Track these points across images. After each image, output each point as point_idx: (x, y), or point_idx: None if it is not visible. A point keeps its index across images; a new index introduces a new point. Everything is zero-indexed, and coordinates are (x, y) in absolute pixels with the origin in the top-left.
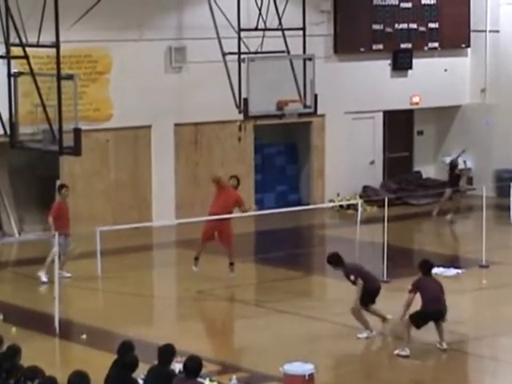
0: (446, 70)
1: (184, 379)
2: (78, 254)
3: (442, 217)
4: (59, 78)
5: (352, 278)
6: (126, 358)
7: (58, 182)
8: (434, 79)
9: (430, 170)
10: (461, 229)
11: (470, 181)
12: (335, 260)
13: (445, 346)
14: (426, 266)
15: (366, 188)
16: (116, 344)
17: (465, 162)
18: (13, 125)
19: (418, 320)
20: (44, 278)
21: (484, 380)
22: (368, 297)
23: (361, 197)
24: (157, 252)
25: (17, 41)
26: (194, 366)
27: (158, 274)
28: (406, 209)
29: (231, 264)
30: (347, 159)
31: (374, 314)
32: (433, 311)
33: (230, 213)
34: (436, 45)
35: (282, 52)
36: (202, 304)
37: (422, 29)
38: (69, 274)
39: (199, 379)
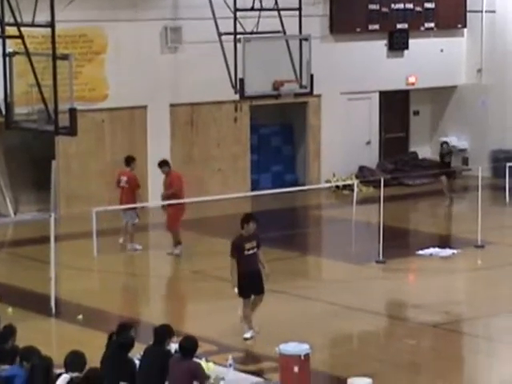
0: (442, 51)
1: (180, 359)
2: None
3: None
4: (54, 57)
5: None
6: (122, 338)
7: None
8: (430, 59)
9: (425, 150)
10: (456, 209)
11: (465, 161)
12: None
13: None
14: None
15: (362, 168)
16: (112, 324)
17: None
18: (8, 105)
19: None
20: (138, 247)
21: (479, 360)
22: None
23: (357, 177)
24: (152, 232)
25: (12, 20)
26: (189, 345)
27: (154, 255)
28: (401, 189)
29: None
30: (343, 140)
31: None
32: None
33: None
34: (432, 25)
35: (278, 32)
36: (197, 284)
37: (418, 9)
38: (140, 247)
39: (195, 359)
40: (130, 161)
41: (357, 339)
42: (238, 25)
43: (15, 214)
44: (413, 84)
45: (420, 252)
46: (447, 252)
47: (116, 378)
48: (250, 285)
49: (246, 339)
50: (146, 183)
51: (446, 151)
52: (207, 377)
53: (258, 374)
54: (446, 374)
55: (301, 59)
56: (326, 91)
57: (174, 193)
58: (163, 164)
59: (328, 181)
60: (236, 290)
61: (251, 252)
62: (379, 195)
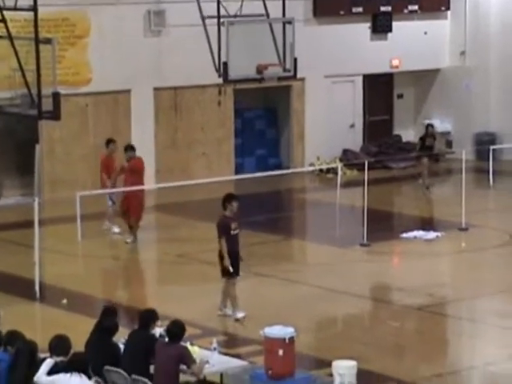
0: (425, 33)
1: (167, 343)
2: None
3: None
4: (37, 41)
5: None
6: (106, 322)
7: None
8: (414, 42)
9: (409, 133)
10: (440, 192)
11: (449, 144)
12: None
13: None
14: None
15: (345, 151)
16: (96, 308)
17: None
18: None
19: None
20: (116, 230)
21: (463, 341)
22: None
23: (341, 160)
24: None
25: None
26: (177, 330)
27: (138, 238)
28: (385, 172)
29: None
30: (327, 123)
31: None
32: None
33: None
34: (416, 7)
35: (262, 15)
36: (181, 268)
37: None
38: (118, 230)
39: (181, 343)
40: (107, 143)
41: (341, 322)
42: (221, 8)
43: None
44: (396, 67)
45: (404, 235)
46: (431, 235)
47: (100, 362)
48: (235, 265)
49: (238, 319)
50: None
51: (430, 134)
52: (194, 360)
53: (242, 357)
54: (430, 356)
55: (284, 42)
56: (309, 74)
57: (121, 169)
58: (129, 148)
59: (312, 164)
60: (231, 268)
61: (236, 232)
62: (363, 178)
